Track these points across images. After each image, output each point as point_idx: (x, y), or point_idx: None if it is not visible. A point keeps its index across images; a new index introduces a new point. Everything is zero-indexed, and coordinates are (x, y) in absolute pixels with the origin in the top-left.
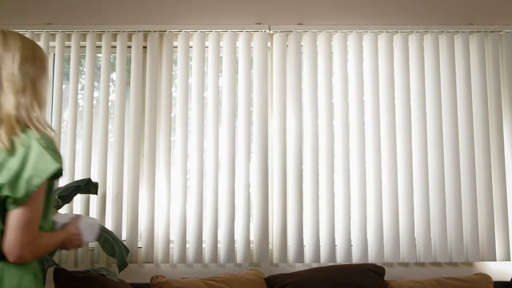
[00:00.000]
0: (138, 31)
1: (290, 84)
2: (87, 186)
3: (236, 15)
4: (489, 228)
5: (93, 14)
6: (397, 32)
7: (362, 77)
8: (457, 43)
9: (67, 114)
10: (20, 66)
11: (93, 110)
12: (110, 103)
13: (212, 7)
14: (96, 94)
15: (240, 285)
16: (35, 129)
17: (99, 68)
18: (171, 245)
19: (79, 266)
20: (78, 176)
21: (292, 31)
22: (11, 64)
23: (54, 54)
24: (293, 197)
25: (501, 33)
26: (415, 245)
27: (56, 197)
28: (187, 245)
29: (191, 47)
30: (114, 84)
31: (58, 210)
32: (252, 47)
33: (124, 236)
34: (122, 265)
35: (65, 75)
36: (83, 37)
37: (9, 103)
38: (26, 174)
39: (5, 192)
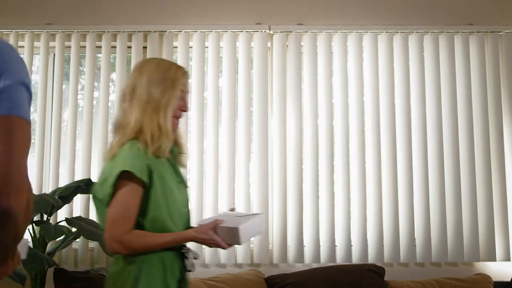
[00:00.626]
0: (138, 31)
1: (290, 84)
2: (87, 187)
3: (236, 15)
4: (489, 228)
5: (93, 14)
6: (397, 32)
7: (362, 77)
8: (457, 43)
9: (67, 114)
10: (148, 87)
11: (93, 110)
12: (110, 103)
13: (212, 7)
14: (96, 94)
15: (240, 285)
16: (143, 142)
17: (99, 68)
18: None
19: (79, 266)
20: (78, 177)
21: (292, 31)
22: (142, 86)
23: (54, 54)
24: (293, 197)
25: (501, 33)
26: (415, 245)
27: (56, 197)
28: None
29: (191, 47)
30: (114, 84)
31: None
32: (252, 47)
33: None
34: None
35: (65, 75)
36: (83, 37)
37: (132, 117)
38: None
39: (98, 195)
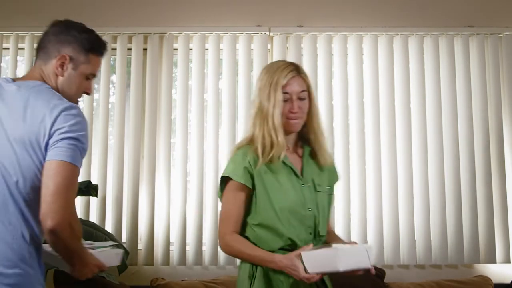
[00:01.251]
0: (138, 33)
1: None
2: (87, 189)
3: (236, 18)
4: (489, 230)
5: (93, 16)
6: (397, 34)
7: (362, 79)
8: (457, 45)
9: None
10: (257, 95)
11: (93, 112)
12: (110, 105)
13: (212, 9)
14: (96, 96)
15: None
16: (254, 151)
17: (99, 70)
18: (171, 247)
19: None
20: (78, 179)
21: (292, 33)
22: (255, 94)
23: None
24: None
25: (501, 35)
26: (415, 247)
27: None
28: (187, 247)
29: (191, 49)
30: (114, 86)
31: None
32: (252, 49)
33: (124, 239)
34: (122, 268)
35: None
36: None
37: (248, 126)
38: None
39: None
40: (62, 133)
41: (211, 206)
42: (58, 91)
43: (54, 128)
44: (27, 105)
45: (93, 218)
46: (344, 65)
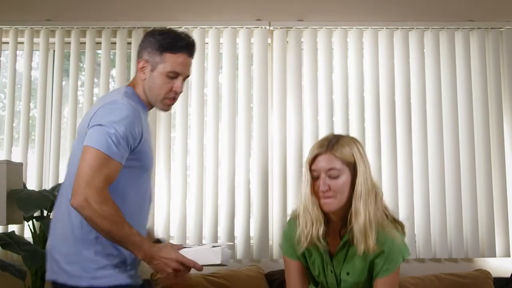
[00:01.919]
0: (138, 27)
1: (290, 80)
2: None
3: (236, 12)
4: (489, 224)
5: (92, 11)
6: (398, 28)
7: (362, 73)
8: (457, 39)
9: (67, 111)
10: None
11: None
12: None
13: (212, 4)
14: (96, 90)
15: (240, 281)
16: None
17: (99, 65)
18: (171, 241)
19: None
20: None
21: (292, 28)
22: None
23: (54, 51)
24: (293, 193)
25: (502, 29)
26: (415, 241)
27: (56, 193)
28: (187, 241)
29: None
30: (114, 81)
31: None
32: (252, 43)
33: None
34: None
35: (64, 72)
36: (83, 33)
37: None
38: None
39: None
40: (94, 122)
41: (211, 200)
42: (146, 94)
43: (92, 119)
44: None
45: None
46: (345, 59)
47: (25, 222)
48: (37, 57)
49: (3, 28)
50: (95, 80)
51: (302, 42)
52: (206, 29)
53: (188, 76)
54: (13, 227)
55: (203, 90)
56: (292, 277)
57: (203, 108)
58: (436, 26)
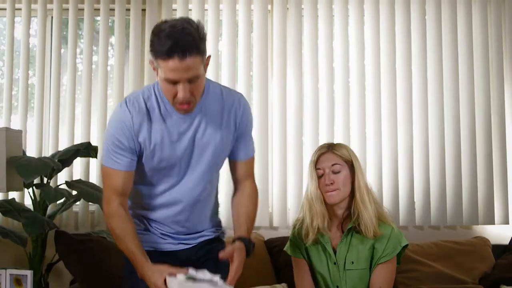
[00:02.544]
0: None
1: (290, 47)
2: (87, 150)
3: None
4: (488, 191)
5: None
6: None
7: (363, 40)
8: (459, 6)
9: (66, 79)
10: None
11: (92, 74)
12: (109, 68)
13: None
14: (95, 58)
15: None
16: None
17: (97, 32)
18: None
19: (79, 229)
20: (78, 140)
21: None
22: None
23: (52, 17)
24: (293, 160)
25: None
26: (414, 209)
27: (56, 160)
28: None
29: (191, 9)
30: (113, 48)
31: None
32: (252, 9)
33: None
34: None
35: (63, 39)
36: None
37: None
38: None
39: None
40: None
41: None
42: None
43: None
44: None
45: (93, 179)
46: (345, 27)
47: (25, 189)
48: (35, 24)
49: None
50: (94, 47)
51: (303, 8)
52: None
53: (194, 77)
54: (13, 194)
55: None
56: (300, 274)
57: None
58: None
